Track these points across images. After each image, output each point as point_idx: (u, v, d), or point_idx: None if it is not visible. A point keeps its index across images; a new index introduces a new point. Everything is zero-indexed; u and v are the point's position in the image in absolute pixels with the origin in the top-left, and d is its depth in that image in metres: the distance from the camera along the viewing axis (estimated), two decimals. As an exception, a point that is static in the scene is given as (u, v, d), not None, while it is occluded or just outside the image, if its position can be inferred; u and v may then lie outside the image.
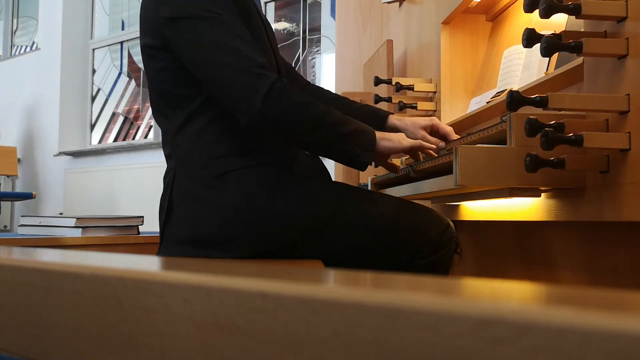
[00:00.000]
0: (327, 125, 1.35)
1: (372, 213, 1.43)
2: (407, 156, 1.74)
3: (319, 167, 1.52)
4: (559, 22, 1.46)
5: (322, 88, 1.79)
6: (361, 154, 1.38)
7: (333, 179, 1.59)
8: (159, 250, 1.46)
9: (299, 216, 1.38)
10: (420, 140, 1.45)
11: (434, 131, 1.56)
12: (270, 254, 1.40)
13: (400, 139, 1.42)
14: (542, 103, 1.05)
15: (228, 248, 1.37)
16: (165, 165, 1.49)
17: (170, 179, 1.44)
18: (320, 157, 1.55)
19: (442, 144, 1.49)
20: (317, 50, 4.85)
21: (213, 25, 1.34)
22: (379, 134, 1.41)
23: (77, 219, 2.33)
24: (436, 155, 1.44)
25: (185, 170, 1.42)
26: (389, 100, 2.12)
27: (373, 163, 1.49)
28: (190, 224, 1.39)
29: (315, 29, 4.88)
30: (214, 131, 1.40)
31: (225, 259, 1.37)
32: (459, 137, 1.53)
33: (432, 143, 1.49)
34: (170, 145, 1.46)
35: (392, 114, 1.67)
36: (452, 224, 1.52)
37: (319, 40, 4.84)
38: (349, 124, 1.38)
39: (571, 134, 1.01)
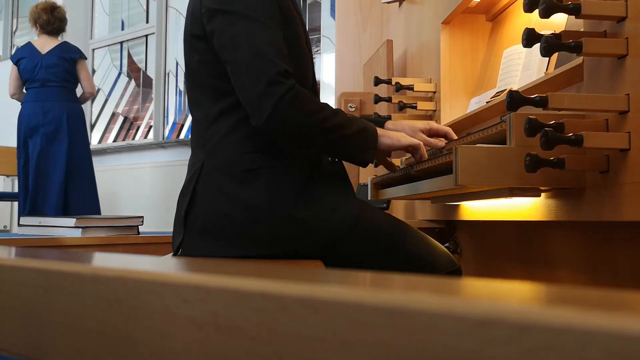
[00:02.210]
0: (332, 130, 1.38)
1: (387, 235, 1.47)
2: (407, 156, 1.74)
3: (342, 173, 1.54)
4: (559, 22, 1.46)
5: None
6: (364, 153, 1.43)
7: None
8: (183, 239, 1.47)
9: (319, 228, 1.41)
10: (419, 140, 1.48)
11: (432, 134, 1.58)
12: (285, 256, 1.43)
13: (399, 137, 1.46)
14: (542, 103, 1.05)
15: (245, 245, 1.39)
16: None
17: (197, 169, 1.45)
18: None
19: (441, 143, 1.51)
20: (317, 50, 4.85)
21: (249, 25, 1.36)
22: (379, 131, 1.45)
23: (77, 219, 2.33)
24: (427, 157, 1.46)
25: (214, 163, 1.44)
26: (389, 100, 2.12)
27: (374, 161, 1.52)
28: (212, 216, 1.41)
29: (315, 29, 4.88)
30: (246, 127, 1.42)
31: (240, 256, 1.39)
32: (458, 137, 1.54)
33: (432, 144, 1.51)
34: (201, 136, 1.48)
35: (389, 119, 1.68)
36: (461, 269, 1.58)
37: (319, 40, 4.84)
38: (353, 124, 1.41)
39: (571, 134, 1.01)
